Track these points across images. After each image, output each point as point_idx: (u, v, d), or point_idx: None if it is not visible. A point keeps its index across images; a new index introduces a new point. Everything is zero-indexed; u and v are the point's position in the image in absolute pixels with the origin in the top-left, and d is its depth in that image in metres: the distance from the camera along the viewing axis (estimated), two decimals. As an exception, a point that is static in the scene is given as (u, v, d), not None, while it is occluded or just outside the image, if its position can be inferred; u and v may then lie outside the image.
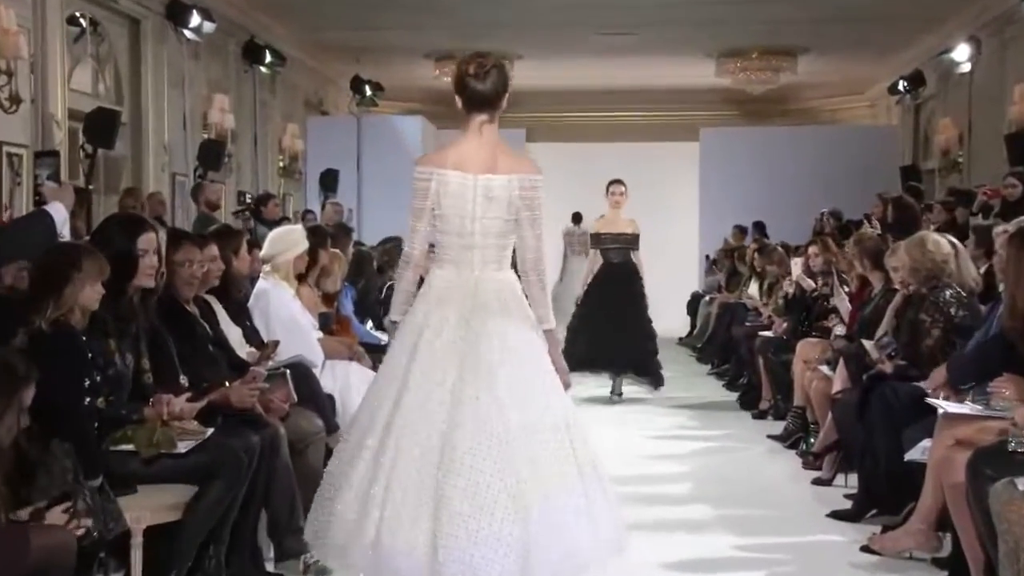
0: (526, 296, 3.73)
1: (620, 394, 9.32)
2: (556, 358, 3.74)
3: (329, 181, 14.72)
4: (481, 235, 3.72)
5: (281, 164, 14.65)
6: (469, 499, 3.36)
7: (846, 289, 7.23)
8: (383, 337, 6.96)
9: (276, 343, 5.03)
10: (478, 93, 3.79)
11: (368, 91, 15.42)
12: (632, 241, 9.23)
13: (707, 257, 15.19)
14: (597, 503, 3.53)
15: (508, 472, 3.40)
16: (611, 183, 9.27)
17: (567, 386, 3.73)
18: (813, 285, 7.92)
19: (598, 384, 9.40)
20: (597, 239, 9.36)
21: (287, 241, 5.63)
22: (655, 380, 9.28)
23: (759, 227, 14.95)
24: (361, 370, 5.72)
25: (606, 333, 9.05)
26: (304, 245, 5.68)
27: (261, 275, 5.61)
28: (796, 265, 8.35)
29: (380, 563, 3.42)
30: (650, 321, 9.33)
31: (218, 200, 10.34)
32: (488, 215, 3.72)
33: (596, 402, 9.20)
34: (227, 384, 4.33)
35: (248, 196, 12.42)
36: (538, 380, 3.61)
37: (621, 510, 3.64)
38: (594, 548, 3.51)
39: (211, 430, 4.05)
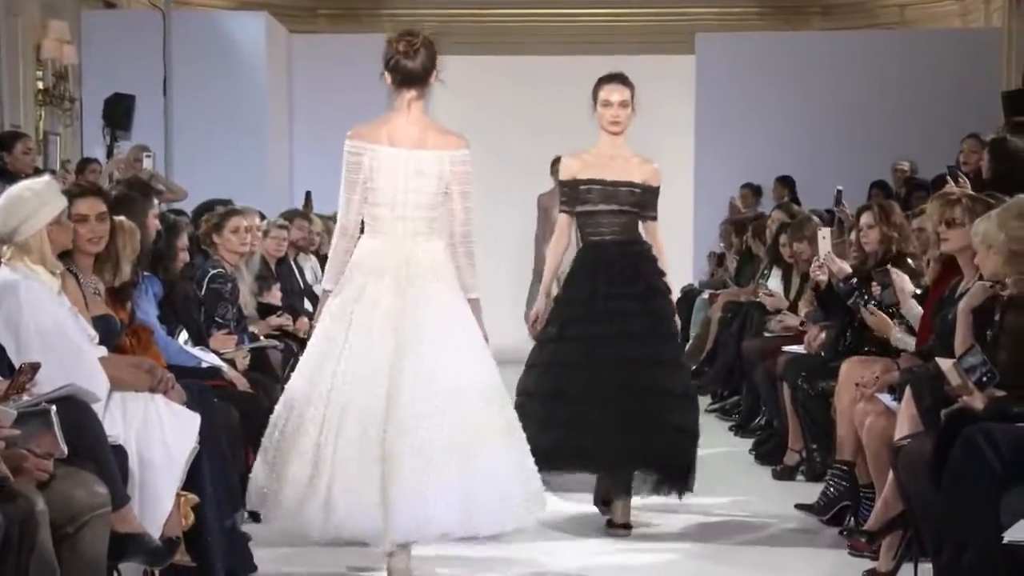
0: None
1: (628, 525, 7.36)
2: (481, 325, 6.04)
3: (119, 113, 14.56)
4: (413, 207, 5.93)
5: (40, 85, 14.46)
6: (417, 455, 5.55)
7: (916, 287, 7.30)
8: (206, 357, 6.93)
9: (34, 366, 4.95)
10: (408, 71, 5.94)
11: (181, -29, 15.33)
12: (645, 201, 7.45)
13: (714, 255, 15.25)
14: (522, 461, 5.90)
15: (449, 427, 5.63)
16: (602, 81, 7.47)
17: None
18: (847, 270, 7.96)
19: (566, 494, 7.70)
20: (574, 194, 7.45)
21: (31, 202, 5.54)
22: (682, 482, 7.35)
23: (786, 185, 15.12)
24: (169, 408, 5.68)
25: (598, 401, 7.17)
26: (59, 205, 5.61)
27: (2, 262, 5.51)
28: (823, 239, 8.35)
29: (331, 523, 5.65)
30: (687, 371, 7.88)
31: None
32: (417, 187, 5.93)
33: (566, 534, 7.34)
34: (-48, 431, 4.26)
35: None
36: (471, 346, 5.89)
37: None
38: (525, 500, 5.86)
39: (-74, 504, 3.98)
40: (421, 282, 5.87)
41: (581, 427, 7.03)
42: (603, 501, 7.47)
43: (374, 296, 5.83)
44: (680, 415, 7.21)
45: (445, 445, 5.62)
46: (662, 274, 7.39)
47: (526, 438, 6.08)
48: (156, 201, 7.24)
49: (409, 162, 5.93)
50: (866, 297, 7.61)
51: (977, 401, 5.37)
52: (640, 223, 7.43)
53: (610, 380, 7.06)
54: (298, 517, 5.74)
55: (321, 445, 5.68)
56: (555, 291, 7.66)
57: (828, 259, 8.12)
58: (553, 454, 6.84)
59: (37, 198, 5.57)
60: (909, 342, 7.08)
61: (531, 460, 5.94)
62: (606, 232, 7.33)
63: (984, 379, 5.34)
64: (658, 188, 7.41)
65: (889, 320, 7.30)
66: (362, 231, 6.09)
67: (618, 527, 7.25)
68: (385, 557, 5.85)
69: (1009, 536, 4.66)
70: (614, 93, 7.35)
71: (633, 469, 7.17)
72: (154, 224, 7.05)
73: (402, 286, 5.83)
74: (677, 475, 7.20)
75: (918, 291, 7.27)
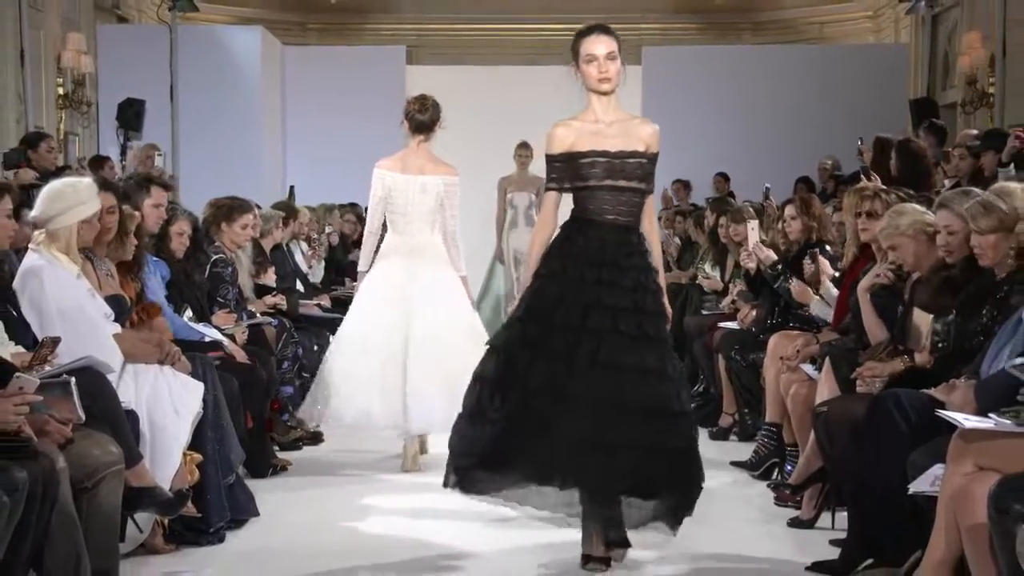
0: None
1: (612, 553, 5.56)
2: (468, 292, 7.95)
3: (131, 116, 14.47)
4: (417, 214, 7.74)
5: (61, 91, 14.36)
6: (424, 371, 7.45)
7: (835, 270, 7.35)
8: (209, 332, 6.92)
9: (55, 340, 4.94)
10: (419, 122, 7.74)
11: (185, -10, 15.23)
12: (648, 172, 5.64)
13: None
14: None
15: (442, 356, 7.37)
16: (581, 35, 5.66)
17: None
18: (774, 257, 8.00)
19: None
20: (571, 169, 5.56)
21: (69, 198, 5.53)
22: (677, 511, 5.45)
23: (725, 180, 15.17)
24: (176, 378, 5.68)
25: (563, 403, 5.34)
26: (94, 207, 5.60)
27: (31, 246, 5.50)
28: (752, 230, 8.38)
29: (371, 419, 7.56)
30: (682, 378, 5.64)
31: None
32: (421, 201, 7.73)
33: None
34: (-18, 398, 4.23)
35: None
36: (456, 303, 7.72)
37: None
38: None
39: (-41, 463, 3.97)
40: (423, 262, 7.70)
41: (540, 431, 5.28)
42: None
43: (393, 272, 7.69)
44: (665, 433, 5.33)
45: (442, 366, 7.29)
46: (656, 272, 5.57)
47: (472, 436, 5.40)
48: (166, 194, 7.17)
49: (416, 183, 7.71)
50: (791, 281, 7.68)
51: (925, 360, 5.44)
52: (643, 200, 5.63)
53: (582, 381, 5.28)
54: (342, 416, 7.60)
55: (357, 369, 7.55)
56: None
57: (756, 248, 8.14)
58: (497, 458, 5.35)
59: (77, 196, 5.54)
60: (827, 311, 7.13)
61: None
62: (610, 212, 5.50)
63: (939, 345, 5.41)
64: (658, 154, 5.64)
65: (810, 291, 7.38)
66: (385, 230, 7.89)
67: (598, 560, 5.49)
68: (403, 444, 7.71)
69: (913, 488, 4.69)
70: (598, 45, 5.55)
71: (610, 494, 5.37)
72: (156, 213, 6.98)
73: (411, 264, 7.68)
74: (671, 503, 5.39)
75: (836, 274, 7.33)
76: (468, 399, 5.48)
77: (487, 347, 5.64)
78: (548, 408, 5.25)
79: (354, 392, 7.55)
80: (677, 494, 5.36)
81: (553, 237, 5.60)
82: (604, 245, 5.44)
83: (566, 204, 5.65)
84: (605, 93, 5.56)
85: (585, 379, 5.25)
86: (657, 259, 5.61)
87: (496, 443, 5.32)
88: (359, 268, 8.00)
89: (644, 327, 5.36)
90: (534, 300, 5.48)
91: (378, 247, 7.90)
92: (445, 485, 5.50)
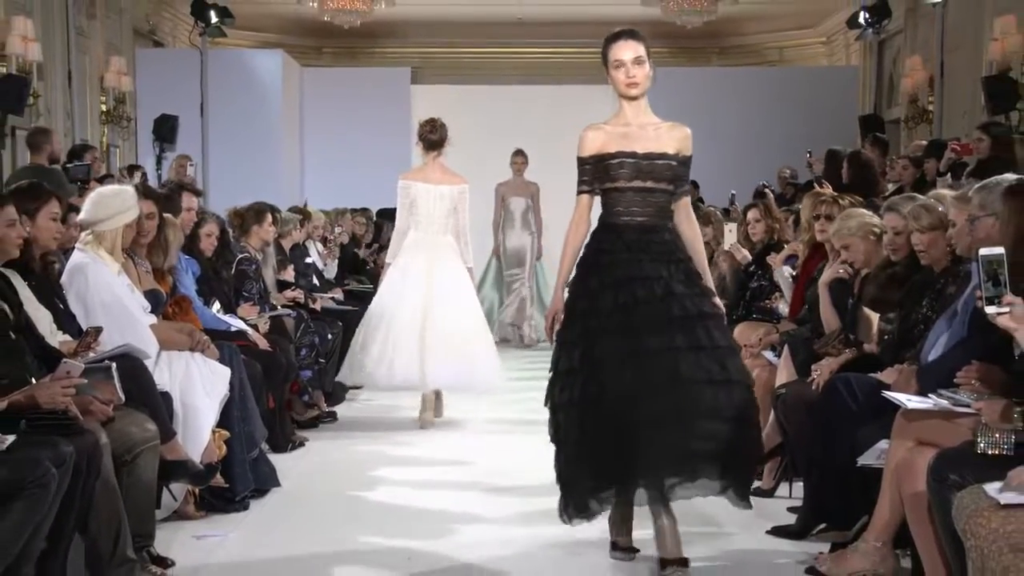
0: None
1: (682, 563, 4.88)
2: (473, 279, 8.69)
3: (166, 130, 14.47)
4: (436, 217, 8.45)
5: (104, 108, 14.35)
6: (440, 343, 8.19)
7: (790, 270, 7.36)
8: (234, 322, 6.92)
9: (98, 330, 4.96)
10: (431, 141, 8.48)
11: (214, 18, 15.16)
12: (678, 174, 5.14)
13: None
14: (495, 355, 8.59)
15: (454, 328, 8.22)
16: (609, 41, 5.16)
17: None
18: (749, 257, 8.01)
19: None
20: (600, 171, 5.05)
21: (115, 204, 5.54)
22: (741, 487, 4.95)
23: (695, 187, 15.14)
24: (206, 363, 5.69)
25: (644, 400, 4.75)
26: (136, 212, 5.62)
27: (78, 246, 5.50)
28: (730, 232, 8.40)
29: (394, 379, 8.22)
30: (746, 378, 4.98)
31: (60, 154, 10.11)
32: (440, 206, 8.44)
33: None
34: (33, 380, 4.25)
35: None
36: (465, 289, 8.47)
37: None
38: (483, 380, 8.41)
39: (11, 438, 3.97)
40: (439, 256, 8.39)
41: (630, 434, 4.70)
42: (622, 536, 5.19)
43: (416, 265, 8.36)
44: (734, 404, 4.79)
45: (452, 337, 8.16)
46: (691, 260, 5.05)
47: (582, 455, 4.81)
48: (196, 199, 7.21)
49: (434, 192, 8.41)
50: (763, 279, 7.73)
51: (874, 348, 5.52)
52: (672, 201, 5.10)
53: (657, 373, 4.72)
54: (375, 376, 8.25)
55: (386, 338, 8.19)
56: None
57: (734, 248, 8.16)
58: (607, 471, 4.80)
59: (123, 203, 5.56)
60: (785, 310, 7.18)
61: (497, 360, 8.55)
62: (638, 213, 4.98)
63: (885, 337, 5.44)
64: (691, 157, 5.16)
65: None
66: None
67: (674, 562, 4.84)
68: (422, 397, 8.49)
69: (861, 460, 4.71)
70: (625, 50, 5.10)
71: (676, 472, 4.75)
72: (188, 216, 7.03)
73: (430, 258, 8.36)
74: (737, 471, 4.86)
75: (795, 272, 7.34)
76: (572, 429, 4.83)
77: (563, 373, 4.89)
78: (669, 403, 4.68)
79: (383, 356, 8.18)
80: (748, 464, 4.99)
81: (585, 249, 5.04)
82: (644, 245, 4.93)
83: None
84: (633, 98, 5.11)
85: (693, 365, 4.73)
86: (700, 255, 5.15)
87: (634, 451, 4.69)
88: (387, 260, 8.69)
89: (713, 307, 4.94)
90: (616, 314, 4.81)
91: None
92: (566, 518, 4.90)
